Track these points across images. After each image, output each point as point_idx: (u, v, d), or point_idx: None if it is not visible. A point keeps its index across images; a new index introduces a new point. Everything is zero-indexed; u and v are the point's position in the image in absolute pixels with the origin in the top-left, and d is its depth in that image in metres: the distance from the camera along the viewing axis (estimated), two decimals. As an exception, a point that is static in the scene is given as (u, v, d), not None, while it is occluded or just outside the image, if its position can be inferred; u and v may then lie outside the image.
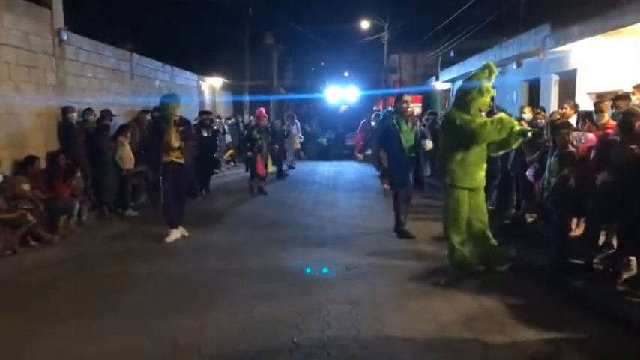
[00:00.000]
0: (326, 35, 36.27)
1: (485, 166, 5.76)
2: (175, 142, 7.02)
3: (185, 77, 16.41)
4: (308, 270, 5.58)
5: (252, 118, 21.73)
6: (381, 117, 7.43)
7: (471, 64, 14.21)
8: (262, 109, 11.63)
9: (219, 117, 18.56)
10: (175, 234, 7.12)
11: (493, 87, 5.72)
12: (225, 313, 4.38)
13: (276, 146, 11.80)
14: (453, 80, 18.47)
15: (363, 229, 7.53)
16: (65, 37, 8.87)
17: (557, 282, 5.12)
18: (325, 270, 5.57)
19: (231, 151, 18.11)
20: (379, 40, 31.68)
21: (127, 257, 6.20)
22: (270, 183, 13.05)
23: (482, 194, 5.77)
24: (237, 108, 24.68)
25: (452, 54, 18.50)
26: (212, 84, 20.07)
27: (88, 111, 9.33)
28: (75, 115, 8.87)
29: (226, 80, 21.38)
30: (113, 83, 10.99)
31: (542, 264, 5.57)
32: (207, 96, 19.59)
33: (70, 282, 5.30)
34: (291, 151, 16.87)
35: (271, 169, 11.08)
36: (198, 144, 11.84)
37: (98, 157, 8.84)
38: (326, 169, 16.89)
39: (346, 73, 53.12)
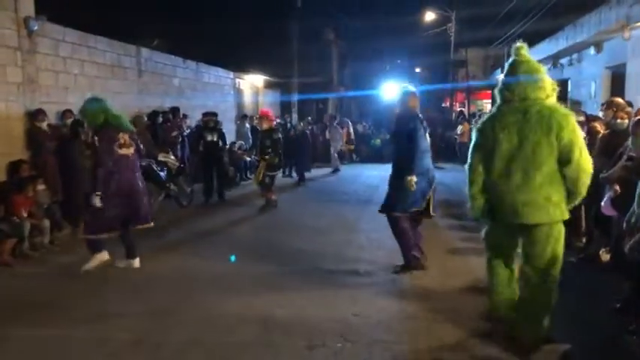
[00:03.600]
0: (388, 29, 34.13)
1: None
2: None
3: (216, 75, 15.06)
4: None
5: (286, 117, 20.44)
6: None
7: (541, 51, 11.80)
8: (266, 110, 9.92)
9: (257, 118, 17.11)
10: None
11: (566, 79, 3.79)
12: None
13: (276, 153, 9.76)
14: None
15: (369, 265, 5.65)
16: (36, 28, 7.61)
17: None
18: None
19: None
20: (446, 32, 29.21)
21: (35, 314, 4.67)
22: (291, 191, 11.42)
23: None
24: (286, 108, 23.26)
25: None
26: (253, 82, 18.68)
27: (67, 113, 8.05)
28: (45, 118, 7.58)
29: (269, 78, 19.87)
30: (111, 81, 9.71)
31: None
32: (247, 95, 18.23)
33: None
34: (334, 155, 15.29)
35: (260, 179, 9.33)
36: (204, 148, 10.40)
37: (68, 167, 7.54)
38: (371, 174, 14.97)
39: (417, 69, 50.58)
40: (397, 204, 5.21)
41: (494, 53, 26.36)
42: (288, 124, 18.93)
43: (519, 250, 3.66)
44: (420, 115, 5.35)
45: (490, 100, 27.68)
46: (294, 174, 13.96)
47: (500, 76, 12.74)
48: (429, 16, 29.28)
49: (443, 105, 35.20)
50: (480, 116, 13.78)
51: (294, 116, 22.09)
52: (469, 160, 3.70)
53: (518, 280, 3.68)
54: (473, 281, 5.10)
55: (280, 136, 10.19)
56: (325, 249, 6.49)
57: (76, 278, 5.43)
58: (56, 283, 5.33)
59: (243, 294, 4.85)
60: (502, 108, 3.59)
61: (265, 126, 9.67)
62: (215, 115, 10.82)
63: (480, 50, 29.07)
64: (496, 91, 3.68)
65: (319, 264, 5.82)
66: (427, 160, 5.26)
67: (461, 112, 24.34)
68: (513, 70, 3.57)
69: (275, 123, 9.67)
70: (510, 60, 3.67)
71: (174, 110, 11.48)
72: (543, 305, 3.46)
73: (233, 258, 5.96)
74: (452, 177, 13.81)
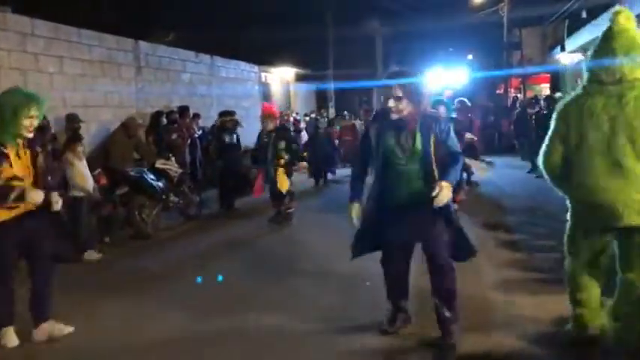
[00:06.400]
0: (436, 14, 32.02)
1: None
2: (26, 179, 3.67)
3: (236, 69, 13.78)
4: None
5: (323, 112, 18.85)
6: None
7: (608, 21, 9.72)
8: (268, 105, 8.47)
9: (287, 114, 15.75)
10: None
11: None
12: None
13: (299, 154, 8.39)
14: (585, 49, 13.73)
15: (373, 315, 4.13)
16: (-8, 20, 6.54)
17: None
18: None
19: (304, 164, 15.05)
20: (498, 12, 26.95)
21: None
22: (310, 197, 9.96)
23: None
24: (323, 101, 21.79)
25: (584, 14, 13.79)
26: (283, 76, 17.31)
27: (37, 118, 6.93)
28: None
29: (301, 70, 18.44)
30: (100, 79, 8.58)
31: None
32: (276, 90, 16.89)
33: None
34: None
35: (286, 186, 7.83)
36: (219, 152, 9.32)
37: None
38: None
39: (470, 56, 47.91)
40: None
41: (552, 32, 23.91)
42: (325, 119, 17.40)
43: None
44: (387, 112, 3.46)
45: (548, 85, 25.27)
46: (329, 176, 12.52)
47: (559, 55, 10.93)
48: (478, -4, 27.25)
49: (497, 92, 32.80)
50: (536, 102, 11.98)
51: (331, 110, 20.58)
52: (545, 150, 3.18)
53: (619, 288, 3.16)
54: (521, 335, 3.53)
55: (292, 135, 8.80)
56: (325, 289, 5.01)
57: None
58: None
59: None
60: (590, 90, 3.03)
61: (271, 126, 8.04)
62: (233, 114, 9.56)
63: (536, 30, 26.55)
64: (583, 69, 3.16)
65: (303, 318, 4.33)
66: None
67: (515, 98, 22.17)
68: (608, 42, 2.99)
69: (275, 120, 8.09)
70: (605, 29, 3.08)
71: (183, 110, 10.27)
72: None
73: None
74: (505, 175, 12.03)
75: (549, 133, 3.20)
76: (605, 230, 3.08)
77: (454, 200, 7.03)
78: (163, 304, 4.66)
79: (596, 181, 2.98)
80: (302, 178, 11.85)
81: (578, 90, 3.13)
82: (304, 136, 15.30)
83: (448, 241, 3.41)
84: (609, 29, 3.03)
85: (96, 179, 7.18)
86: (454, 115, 8.14)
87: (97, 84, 8.49)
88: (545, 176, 3.27)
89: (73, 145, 6.64)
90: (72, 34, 7.99)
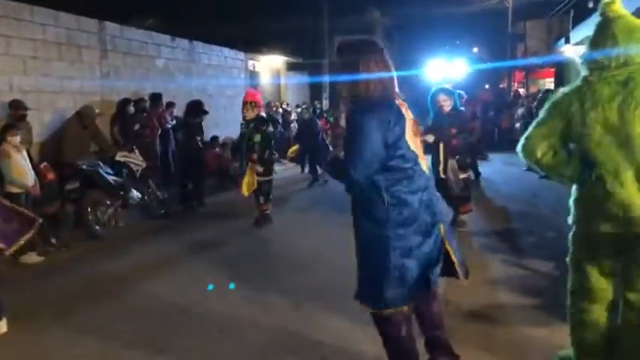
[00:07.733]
0: (440, 5, 31.11)
1: None
2: None
3: (219, 55, 12.96)
4: None
5: (316, 103, 18.02)
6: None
7: (628, 3, 8.91)
8: (253, 91, 7.67)
9: (275, 105, 14.97)
10: None
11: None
12: None
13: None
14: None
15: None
16: None
17: None
18: None
19: (295, 147, 14.17)
20: (503, 3, 26.11)
21: None
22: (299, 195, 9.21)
23: None
24: (317, 92, 20.94)
25: (591, 3, 12.95)
26: (273, 64, 16.48)
27: (-27, 104, 6.22)
28: None
29: (291, 59, 17.61)
30: (56, 63, 7.80)
31: None
32: (264, 79, 16.08)
33: None
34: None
35: (249, 189, 7.04)
36: (186, 144, 8.62)
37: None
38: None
39: (475, 49, 46.98)
40: (371, 292, 2.56)
41: (557, 24, 23.09)
42: (318, 111, 16.55)
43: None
44: (399, 102, 2.56)
45: (553, 79, 24.43)
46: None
47: (563, 48, 10.23)
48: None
49: (501, 86, 31.96)
50: (534, 97, 11.23)
51: (325, 102, 19.79)
52: (527, 136, 2.77)
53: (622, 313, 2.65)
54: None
55: (272, 129, 7.95)
56: (283, 312, 4.27)
57: None
58: None
59: None
60: (591, 79, 2.68)
61: (252, 114, 7.11)
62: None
63: (540, 22, 25.70)
64: (580, 61, 2.79)
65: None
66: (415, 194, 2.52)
67: (516, 92, 21.35)
68: (607, 28, 2.68)
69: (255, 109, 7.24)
70: (598, 20, 2.79)
71: (155, 98, 9.49)
72: None
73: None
74: (503, 172, 11.29)
75: (537, 119, 2.83)
76: (611, 240, 2.59)
77: (460, 210, 6.28)
78: (94, 325, 3.99)
79: (595, 181, 2.59)
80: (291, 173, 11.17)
81: (577, 81, 2.75)
82: (295, 128, 14.60)
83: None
84: (604, 18, 2.74)
85: (41, 174, 6.50)
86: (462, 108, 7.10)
87: (52, 67, 7.73)
88: (523, 159, 2.86)
89: (9, 135, 5.92)
90: (22, 12, 7.22)
